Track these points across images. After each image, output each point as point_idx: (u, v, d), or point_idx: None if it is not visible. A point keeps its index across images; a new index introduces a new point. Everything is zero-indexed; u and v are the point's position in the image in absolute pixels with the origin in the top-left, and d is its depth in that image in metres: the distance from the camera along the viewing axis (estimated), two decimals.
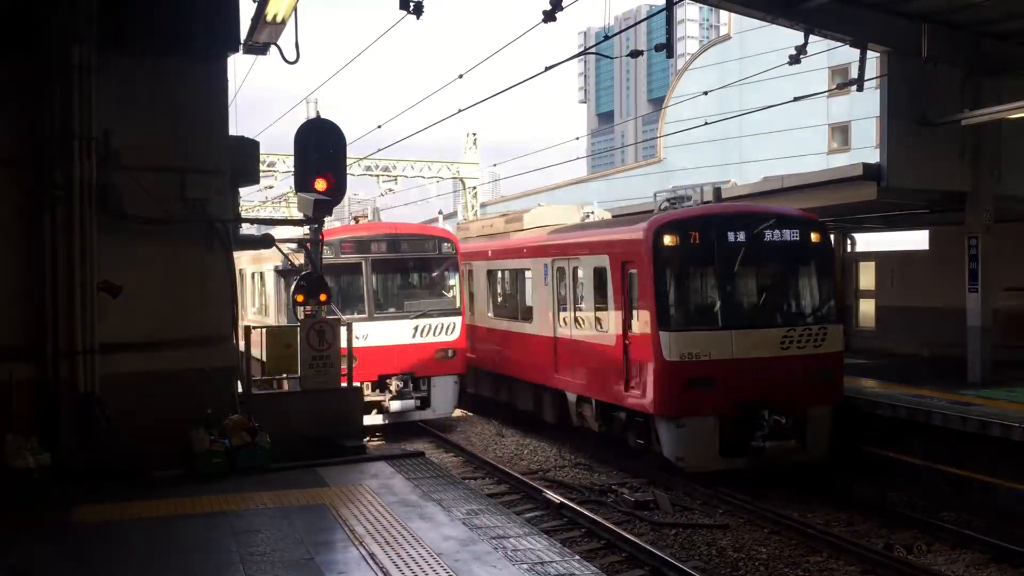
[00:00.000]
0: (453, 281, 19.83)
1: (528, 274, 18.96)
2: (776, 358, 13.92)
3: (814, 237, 14.68)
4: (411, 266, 19.55)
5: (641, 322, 14.24)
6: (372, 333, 17.82)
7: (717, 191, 15.99)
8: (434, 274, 19.81)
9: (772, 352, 13.92)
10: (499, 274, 21.02)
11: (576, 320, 16.50)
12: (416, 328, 18.55)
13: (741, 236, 14.13)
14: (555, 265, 17.29)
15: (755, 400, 13.63)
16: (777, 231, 14.36)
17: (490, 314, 20.93)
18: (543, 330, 17.75)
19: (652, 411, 13.99)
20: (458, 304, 19.59)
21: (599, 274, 15.57)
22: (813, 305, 14.84)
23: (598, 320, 15.62)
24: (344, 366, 11.91)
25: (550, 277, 17.44)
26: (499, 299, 21.08)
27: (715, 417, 13.60)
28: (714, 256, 14.16)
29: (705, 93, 27.26)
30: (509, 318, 19.97)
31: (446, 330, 18.89)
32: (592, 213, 19.76)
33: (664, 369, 13.68)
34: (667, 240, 13.98)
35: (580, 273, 16.37)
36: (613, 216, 20.12)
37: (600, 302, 15.62)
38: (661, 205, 16.13)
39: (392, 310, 18.94)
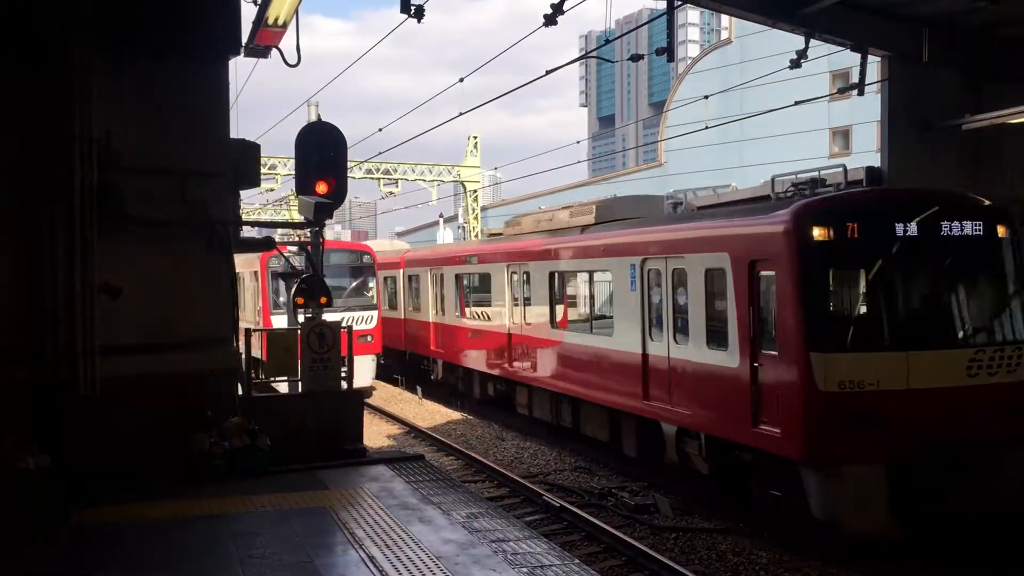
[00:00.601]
0: (372, 284, 25.16)
1: (605, 277, 16.19)
2: (962, 388, 10.92)
3: (1000, 230, 11.69)
4: (338, 273, 23.97)
5: (781, 339, 11.24)
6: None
7: (870, 171, 12.72)
8: (357, 279, 24.83)
9: (957, 380, 10.93)
10: (565, 277, 17.92)
11: (676, 334, 13.46)
12: (342, 319, 22.32)
13: (913, 229, 11.19)
14: (646, 266, 14.27)
15: (936, 442, 10.58)
16: (956, 222, 11.38)
17: (552, 324, 17.82)
18: (628, 345, 14.72)
19: (796, 456, 10.99)
20: (375, 301, 24.81)
21: (714, 277, 12.61)
22: (1006, 318, 11.76)
23: (711, 335, 12.60)
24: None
25: (639, 281, 14.46)
26: (565, 307, 18.09)
27: (884, 465, 10.58)
28: (880, 254, 11.19)
29: (706, 97, 27.28)
30: (578, 330, 17.10)
31: (366, 320, 23.82)
32: (680, 204, 16.42)
33: (817, 402, 10.65)
34: (817, 233, 11.03)
35: (684, 276, 13.31)
36: (697, 208, 16.60)
37: (715, 312, 12.60)
38: (785, 191, 13.08)
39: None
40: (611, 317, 15.71)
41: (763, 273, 11.64)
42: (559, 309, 18.00)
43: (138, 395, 9.79)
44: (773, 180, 13.44)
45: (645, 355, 14.26)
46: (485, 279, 21.61)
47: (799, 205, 11.53)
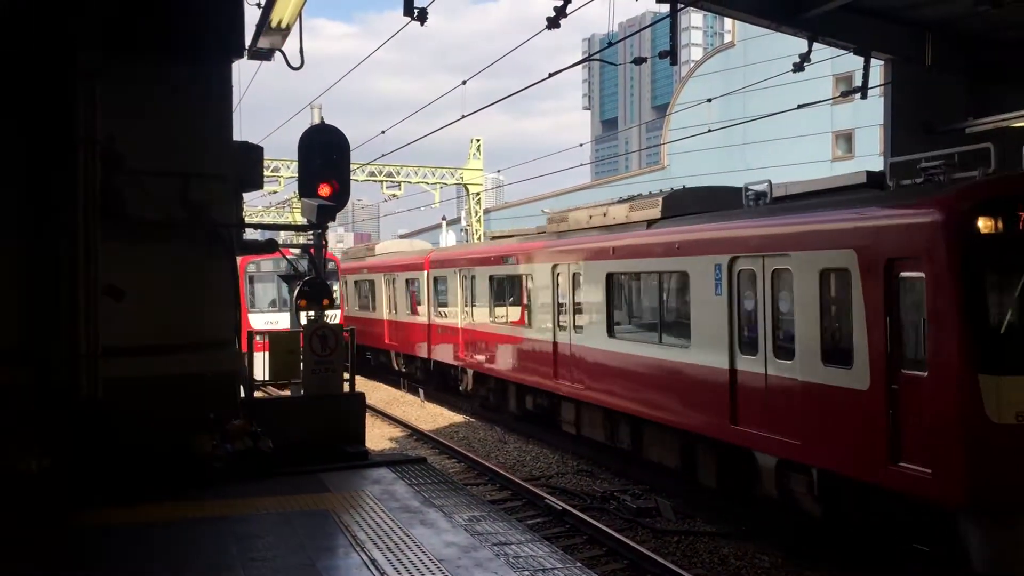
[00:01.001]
0: (335, 287, 27.15)
1: (675, 280, 14.01)
2: None
3: None
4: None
5: (933, 357, 9.26)
6: (280, 320, 25.52)
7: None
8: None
9: None
10: (626, 279, 15.72)
11: (777, 347, 11.46)
12: (308, 316, 25.23)
13: None
14: (736, 267, 12.24)
15: None
16: None
17: (609, 333, 15.70)
18: (710, 359, 12.69)
19: (957, 501, 9.10)
20: (338, 300, 26.73)
21: (833, 279, 10.68)
22: None
23: (829, 349, 10.61)
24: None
25: (726, 283, 12.37)
26: (623, 314, 15.96)
27: None
28: None
29: (709, 100, 27.32)
30: (643, 340, 14.89)
31: (331, 318, 26.75)
32: (764, 195, 13.27)
33: (988, 436, 8.78)
34: (983, 224, 9.04)
35: (788, 278, 11.30)
36: (774, 200, 13.22)
37: (833, 322, 10.69)
38: (914, 178, 10.89)
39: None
40: (687, 326, 13.44)
41: (905, 275, 9.60)
42: (618, 315, 15.86)
43: (140, 397, 9.79)
44: (888, 163, 11.24)
45: (733, 371, 12.19)
46: (525, 281, 19.52)
47: (959, 189, 9.54)
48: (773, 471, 11.63)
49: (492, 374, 21.43)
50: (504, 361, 20.45)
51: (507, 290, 20.81)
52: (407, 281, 27.70)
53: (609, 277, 15.71)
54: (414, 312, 27.07)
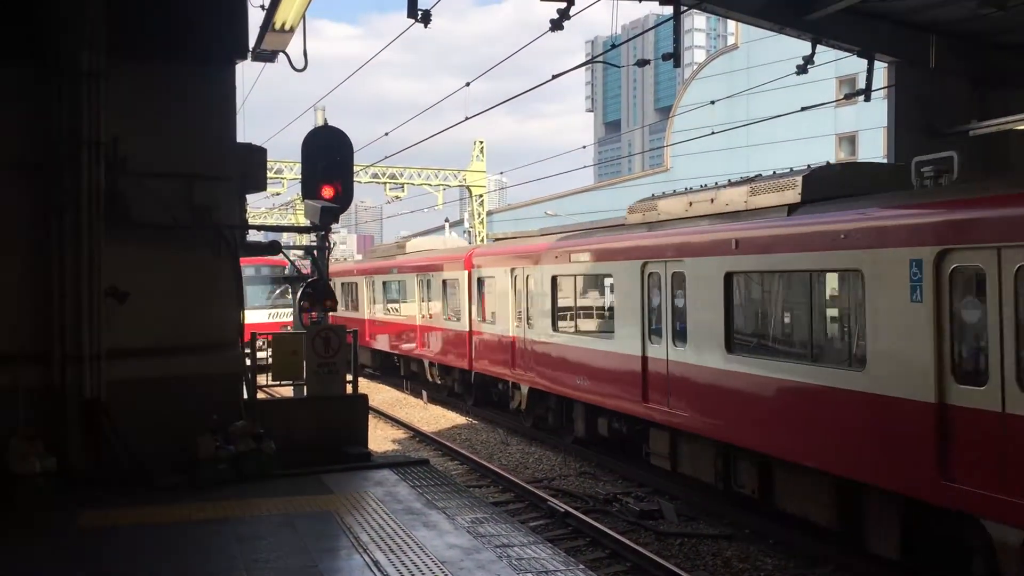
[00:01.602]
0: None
1: (839, 281, 11.06)
2: None
3: None
4: (268, 280, 30.85)
5: None
6: (248, 316, 25.86)
7: None
8: (280, 285, 30.48)
9: None
10: (753, 280, 12.51)
11: None
12: (270, 313, 30.31)
13: None
14: (947, 263, 9.05)
15: None
16: None
17: (728, 348, 12.39)
18: (900, 387, 9.52)
19: None
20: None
21: None
22: None
23: None
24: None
25: (931, 286, 9.18)
26: (750, 324, 12.62)
27: None
28: None
29: (712, 102, 27.31)
30: (778, 358, 11.67)
31: (287, 315, 27.79)
32: (949, 170, 10.26)
33: None
34: None
35: None
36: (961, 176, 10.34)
37: None
38: None
39: (258, 304, 29.68)
40: (859, 341, 10.45)
41: None
42: (741, 325, 12.64)
43: (144, 399, 9.81)
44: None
45: (943, 406, 9.04)
46: (601, 282, 16.68)
47: None
48: (1018, 550, 8.36)
49: (554, 391, 18.15)
50: (572, 377, 17.11)
51: (576, 293, 17.61)
52: (444, 282, 24.72)
53: (728, 278, 12.51)
54: (450, 319, 24.19)
